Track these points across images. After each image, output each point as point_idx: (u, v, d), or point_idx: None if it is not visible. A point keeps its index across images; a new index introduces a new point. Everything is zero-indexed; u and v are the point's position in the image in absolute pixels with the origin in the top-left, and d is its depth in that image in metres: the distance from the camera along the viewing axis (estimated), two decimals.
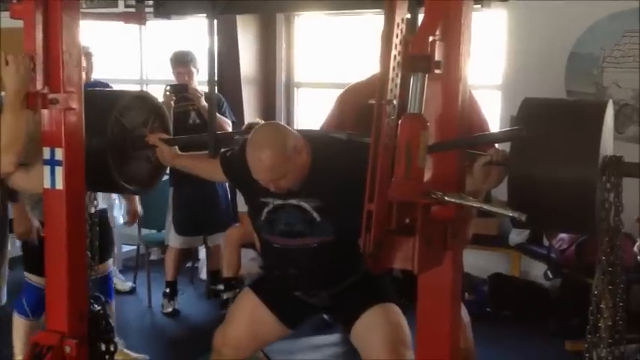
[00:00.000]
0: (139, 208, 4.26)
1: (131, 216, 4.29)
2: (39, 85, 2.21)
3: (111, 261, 3.68)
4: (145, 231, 5.10)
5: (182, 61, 4.61)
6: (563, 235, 4.49)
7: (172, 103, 4.16)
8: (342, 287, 2.55)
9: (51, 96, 2.20)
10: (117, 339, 3.67)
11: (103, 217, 3.53)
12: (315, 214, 2.43)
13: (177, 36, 5.91)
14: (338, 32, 5.70)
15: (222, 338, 2.67)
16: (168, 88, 4.26)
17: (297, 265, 2.52)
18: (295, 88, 5.94)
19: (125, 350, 3.83)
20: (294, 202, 2.45)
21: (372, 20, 5.05)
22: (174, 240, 4.78)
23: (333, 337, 3.22)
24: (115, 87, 4.69)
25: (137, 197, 4.23)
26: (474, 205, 1.54)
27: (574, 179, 1.71)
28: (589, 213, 1.75)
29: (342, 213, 2.35)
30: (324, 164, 2.42)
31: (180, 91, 4.32)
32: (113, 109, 2.58)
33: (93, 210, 2.68)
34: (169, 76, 4.77)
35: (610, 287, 1.91)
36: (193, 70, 4.60)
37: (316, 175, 2.42)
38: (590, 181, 1.72)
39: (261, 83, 5.84)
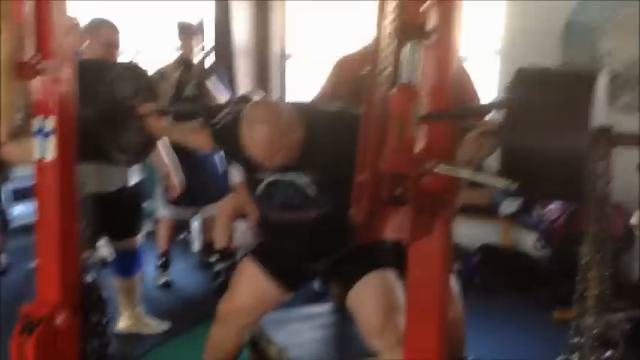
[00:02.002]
0: (177, 181, 4.07)
1: (172, 189, 4.10)
2: (29, 54, 2.19)
3: (140, 236, 3.69)
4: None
5: (188, 31, 4.57)
6: (553, 206, 4.51)
7: (176, 75, 4.18)
8: (340, 255, 2.59)
9: (42, 65, 2.18)
10: (138, 307, 3.81)
11: (136, 191, 3.64)
12: (310, 188, 2.45)
13: (169, 6, 5.85)
14: (331, 3, 5.65)
15: (226, 307, 2.74)
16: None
17: (295, 238, 2.57)
18: (288, 59, 5.90)
19: (146, 318, 3.88)
20: (288, 177, 2.46)
21: None
22: (164, 210, 4.76)
23: (324, 307, 3.24)
24: None
25: (173, 170, 4.02)
26: (466, 176, 1.55)
27: (565, 148, 1.72)
28: (580, 181, 1.76)
29: (338, 186, 2.35)
30: (317, 138, 2.42)
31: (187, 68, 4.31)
32: (104, 79, 2.56)
33: (85, 181, 2.67)
34: (161, 46, 4.74)
35: (597, 256, 1.93)
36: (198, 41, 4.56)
37: (310, 149, 2.42)
38: (581, 150, 1.73)
39: (255, 52, 5.80)
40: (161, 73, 4.44)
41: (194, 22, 4.58)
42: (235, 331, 2.77)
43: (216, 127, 2.66)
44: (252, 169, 2.53)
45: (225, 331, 2.77)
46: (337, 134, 2.38)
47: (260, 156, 2.37)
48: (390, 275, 2.56)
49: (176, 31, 4.62)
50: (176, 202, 4.67)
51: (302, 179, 2.46)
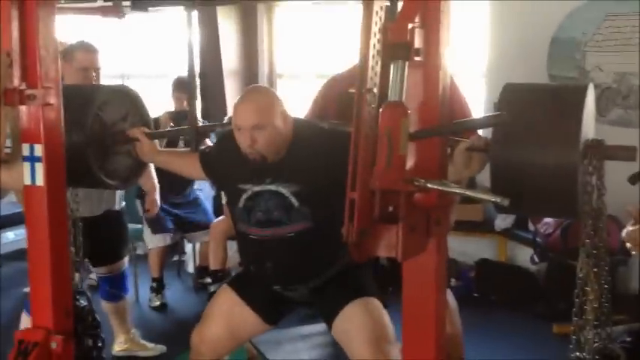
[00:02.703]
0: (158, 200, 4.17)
1: (151, 205, 4.20)
2: (16, 82, 2.18)
3: (126, 259, 3.69)
4: (130, 226, 5.07)
5: (182, 88, 4.64)
6: (548, 220, 4.52)
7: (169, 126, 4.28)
8: (320, 281, 2.54)
9: (28, 92, 2.17)
10: (133, 330, 3.78)
11: (120, 214, 3.61)
12: (293, 200, 2.42)
13: (157, 30, 5.87)
14: (319, 22, 5.68)
15: (199, 337, 2.64)
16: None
17: (274, 258, 2.49)
18: (277, 79, 5.92)
19: (142, 341, 3.85)
20: (272, 187, 2.44)
21: (354, 9, 5.03)
22: (152, 241, 4.76)
23: (320, 327, 3.22)
24: None
25: (157, 188, 4.14)
26: (457, 191, 1.54)
27: (556, 163, 1.72)
28: (571, 197, 1.76)
29: (321, 199, 2.36)
30: (304, 149, 2.43)
31: (180, 119, 4.38)
32: (93, 104, 2.55)
33: (75, 206, 2.66)
34: (149, 70, 4.79)
35: (595, 270, 1.92)
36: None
37: (296, 159, 2.42)
38: (572, 165, 1.72)
39: (244, 75, 5.81)
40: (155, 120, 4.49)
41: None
42: None
43: (205, 150, 2.65)
44: (236, 182, 2.50)
45: None
46: (324, 147, 2.39)
47: (246, 123, 2.35)
48: (375, 302, 2.50)
49: (172, 86, 4.83)
50: (161, 229, 4.72)
51: (285, 190, 2.42)
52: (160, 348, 3.90)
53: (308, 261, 2.49)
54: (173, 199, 4.83)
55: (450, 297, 2.80)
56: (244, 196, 2.48)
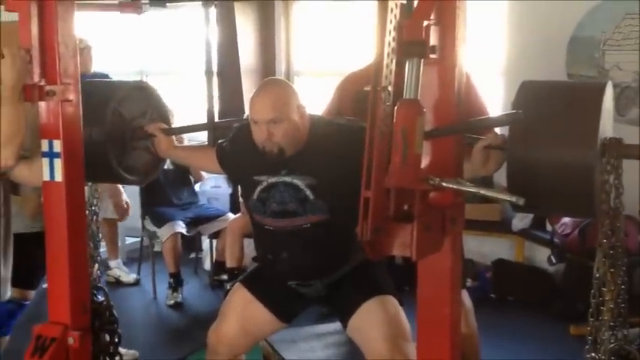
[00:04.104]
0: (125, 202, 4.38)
1: (119, 210, 4.35)
2: (36, 78, 2.20)
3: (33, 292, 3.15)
4: (148, 222, 5.11)
5: None
6: (566, 220, 4.48)
7: None
8: (336, 276, 2.53)
9: (48, 88, 2.19)
10: None
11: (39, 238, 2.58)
12: (308, 192, 2.41)
13: (175, 26, 5.90)
14: (336, 19, 5.67)
15: (216, 336, 2.64)
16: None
17: (290, 249, 2.48)
18: (295, 77, 5.92)
19: None
20: (287, 179, 2.43)
21: (372, 5, 5.01)
22: (163, 234, 4.79)
23: (335, 325, 3.21)
24: (115, 79, 4.70)
25: (123, 192, 4.38)
26: (472, 190, 1.53)
27: (573, 162, 1.70)
28: (588, 195, 1.74)
29: (336, 192, 2.35)
30: (320, 143, 2.42)
31: None
32: (112, 99, 2.57)
33: (95, 202, 2.68)
34: (169, 67, 4.80)
35: (612, 270, 1.90)
36: None
37: (312, 153, 2.42)
38: (590, 164, 1.71)
39: (261, 72, 5.82)
40: None
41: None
42: None
43: (222, 144, 2.66)
44: (251, 174, 2.49)
45: None
46: (340, 141, 2.39)
47: (262, 117, 2.35)
48: (392, 300, 2.49)
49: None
50: (163, 220, 4.79)
51: (300, 182, 2.42)
52: (132, 353, 3.78)
53: (324, 253, 2.48)
54: (178, 200, 4.93)
55: (466, 297, 2.78)
56: (259, 188, 2.48)
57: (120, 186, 4.54)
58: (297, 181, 2.42)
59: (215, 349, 2.65)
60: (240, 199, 4.52)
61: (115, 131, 2.58)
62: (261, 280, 2.65)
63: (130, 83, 2.88)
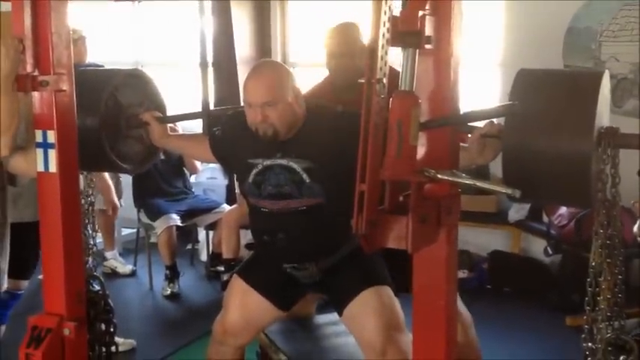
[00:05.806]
0: (116, 200, 4.50)
1: (109, 206, 4.38)
2: (29, 68, 2.19)
3: (27, 282, 3.24)
4: (142, 215, 5.11)
5: None
6: (562, 211, 4.49)
7: None
8: (332, 261, 2.53)
9: (41, 78, 2.18)
10: None
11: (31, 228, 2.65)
12: (304, 175, 2.40)
13: (171, 16, 5.86)
14: (332, 10, 5.64)
15: (222, 327, 2.67)
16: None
17: (286, 230, 2.48)
18: (291, 68, 5.90)
19: None
20: (283, 162, 2.42)
21: None
22: (158, 226, 4.80)
23: (332, 316, 3.21)
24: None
25: (112, 188, 4.48)
26: (468, 182, 1.52)
27: (569, 150, 1.69)
28: (585, 185, 1.73)
29: (333, 177, 2.35)
30: (316, 126, 2.41)
31: None
32: (107, 86, 2.56)
33: (91, 191, 2.67)
34: (164, 57, 4.78)
35: (608, 260, 1.90)
36: None
37: (308, 136, 2.41)
38: (586, 153, 1.70)
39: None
40: None
41: None
42: (232, 351, 2.70)
43: (215, 132, 2.64)
44: (245, 157, 2.47)
45: (221, 351, 2.70)
46: (336, 126, 2.37)
47: (257, 99, 2.32)
48: (387, 291, 2.49)
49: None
50: (157, 213, 4.81)
51: (296, 165, 2.40)
52: (130, 342, 3.81)
53: (320, 236, 2.47)
54: (172, 189, 4.96)
55: (464, 309, 2.71)
56: (254, 171, 2.46)
57: (111, 183, 4.60)
58: (294, 164, 2.41)
59: (222, 339, 2.68)
60: (237, 191, 4.51)
61: (110, 118, 2.56)
62: (256, 269, 2.67)
63: (126, 71, 2.86)
